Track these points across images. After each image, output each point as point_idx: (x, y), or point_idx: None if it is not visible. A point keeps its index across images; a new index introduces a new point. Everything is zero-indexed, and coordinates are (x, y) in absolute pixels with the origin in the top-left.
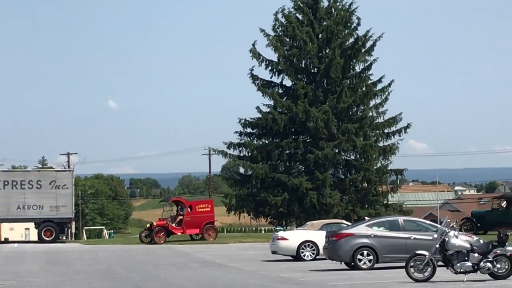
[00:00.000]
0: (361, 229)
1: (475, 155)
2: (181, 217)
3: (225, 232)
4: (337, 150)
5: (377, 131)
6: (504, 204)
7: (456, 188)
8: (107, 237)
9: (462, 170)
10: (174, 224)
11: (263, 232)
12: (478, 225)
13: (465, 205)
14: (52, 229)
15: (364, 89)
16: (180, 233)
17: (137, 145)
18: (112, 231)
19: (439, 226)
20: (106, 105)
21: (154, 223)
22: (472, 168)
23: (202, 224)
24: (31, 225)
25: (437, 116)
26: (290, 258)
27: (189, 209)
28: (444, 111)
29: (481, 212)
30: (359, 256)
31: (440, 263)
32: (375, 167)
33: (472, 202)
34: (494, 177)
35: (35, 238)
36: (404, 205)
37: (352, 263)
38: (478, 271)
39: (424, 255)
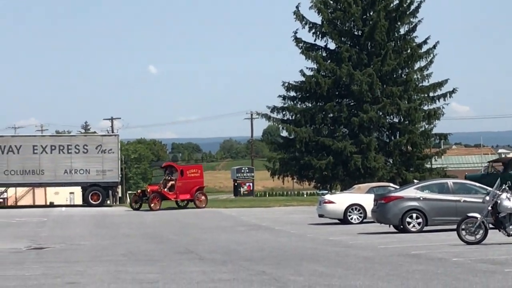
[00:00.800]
0: (409, 192)
1: None
2: (173, 182)
3: (267, 196)
4: (381, 113)
5: (422, 95)
6: (501, 168)
7: (500, 150)
8: None
9: (505, 133)
10: (166, 189)
11: (305, 195)
12: None
13: None
14: (99, 193)
15: (408, 51)
16: (173, 199)
17: (178, 110)
18: None
19: (489, 188)
20: (147, 70)
21: (148, 189)
22: None
23: (193, 190)
24: (76, 189)
25: (480, 78)
26: (337, 221)
27: (180, 174)
28: (487, 73)
29: (476, 176)
30: (408, 219)
31: (491, 225)
32: (419, 131)
33: None
34: None
35: (80, 202)
36: (448, 169)
37: (401, 226)
38: None
39: (476, 218)
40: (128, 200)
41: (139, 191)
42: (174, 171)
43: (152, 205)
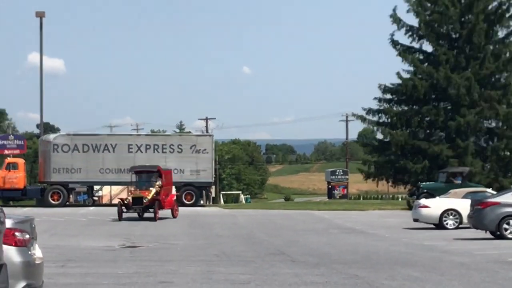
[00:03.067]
0: (507, 198)
1: None
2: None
3: (361, 199)
4: (479, 117)
5: None
6: (458, 179)
7: None
8: (243, 202)
9: None
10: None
11: (399, 199)
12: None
13: None
14: (192, 193)
15: (507, 55)
16: (167, 208)
17: (273, 110)
18: (249, 196)
19: None
20: (241, 71)
21: (146, 199)
22: None
23: (170, 198)
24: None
25: None
26: (432, 226)
27: (163, 179)
28: None
29: (432, 185)
30: (505, 226)
31: None
32: None
33: None
34: None
35: None
36: None
37: (498, 233)
38: None
39: None
40: (222, 200)
41: (125, 199)
42: (159, 176)
43: (157, 216)
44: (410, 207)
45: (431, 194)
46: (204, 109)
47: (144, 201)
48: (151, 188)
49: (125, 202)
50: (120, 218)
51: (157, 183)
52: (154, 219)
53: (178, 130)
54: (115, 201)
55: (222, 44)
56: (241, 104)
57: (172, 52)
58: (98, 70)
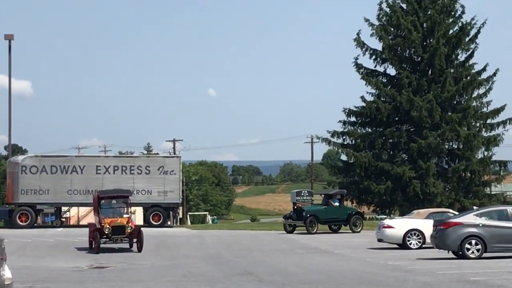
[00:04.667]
0: (469, 218)
1: None
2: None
3: None
4: (440, 140)
5: (481, 121)
6: (336, 202)
7: None
8: (210, 223)
9: None
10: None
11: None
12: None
13: None
14: (160, 214)
15: (468, 78)
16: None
17: (239, 132)
18: (216, 217)
19: None
20: (207, 93)
21: (130, 227)
22: None
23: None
24: (137, 209)
25: None
26: (396, 246)
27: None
28: None
29: (313, 208)
30: (467, 245)
31: None
32: (478, 158)
33: None
34: None
35: (140, 222)
36: (507, 196)
37: (460, 252)
38: None
39: None
40: (189, 221)
41: (108, 227)
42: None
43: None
44: (287, 231)
45: (316, 217)
46: (171, 131)
47: (128, 230)
48: (125, 216)
49: (105, 231)
50: (98, 250)
51: (130, 209)
52: (131, 249)
53: (145, 152)
54: (83, 222)
55: (187, 65)
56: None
57: (138, 74)
58: (65, 92)
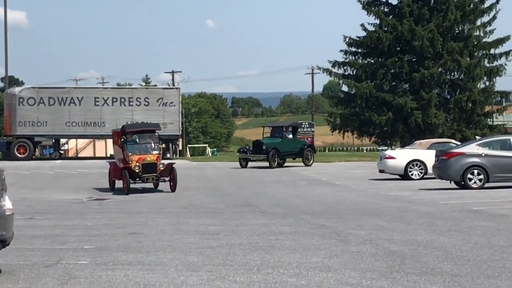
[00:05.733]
0: (471, 148)
1: None
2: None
3: (327, 151)
4: (442, 70)
5: (483, 51)
6: (290, 134)
7: None
8: (210, 155)
9: None
10: None
11: (365, 151)
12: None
13: None
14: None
15: (471, 6)
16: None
17: (239, 64)
18: (215, 149)
19: None
20: (204, 24)
21: (162, 165)
22: None
23: None
24: None
25: None
26: (397, 177)
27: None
28: None
29: (271, 141)
30: (469, 175)
31: None
32: (480, 88)
33: None
34: None
35: None
36: (508, 126)
37: (462, 182)
38: None
39: None
40: (188, 153)
41: (138, 165)
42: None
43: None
44: (242, 166)
45: (277, 150)
46: (170, 62)
47: (160, 167)
48: (154, 152)
49: (135, 169)
50: (127, 191)
51: (162, 145)
52: (159, 189)
53: (144, 84)
54: (81, 154)
55: None
56: (208, 57)
57: (136, 5)
58: (61, 23)
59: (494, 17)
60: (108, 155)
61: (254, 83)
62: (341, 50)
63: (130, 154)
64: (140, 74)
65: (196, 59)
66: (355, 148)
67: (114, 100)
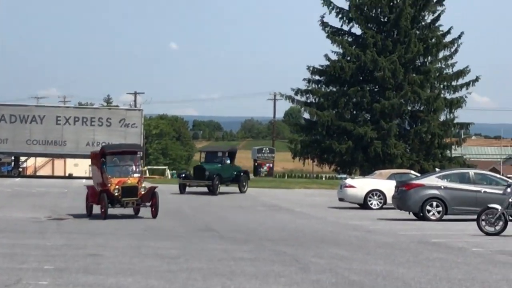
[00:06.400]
0: (431, 180)
1: None
2: None
3: (286, 177)
4: (403, 101)
5: (445, 83)
6: (227, 159)
7: None
8: (169, 177)
9: None
10: None
11: (324, 178)
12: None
13: None
14: None
15: (433, 40)
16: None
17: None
18: (175, 171)
19: (510, 180)
20: (168, 46)
21: (144, 188)
22: None
23: None
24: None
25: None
26: (356, 205)
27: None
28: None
29: (213, 167)
30: (428, 207)
31: (511, 217)
32: (440, 120)
33: None
34: None
35: None
36: (467, 159)
37: (421, 214)
38: None
39: (496, 209)
40: (148, 175)
41: (118, 188)
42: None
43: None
44: (181, 192)
45: (220, 176)
46: (132, 83)
47: (142, 191)
48: (135, 175)
49: (114, 193)
50: (105, 216)
51: (144, 167)
52: (139, 215)
53: (105, 104)
54: (40, 172)
55: (149, 18)
56: (169, 79)
57: (99, 24)
58: (22, 39)
59: (456, 51)
60: (67, 174)
61: (215, 106)
62: (304, 79)
63: (109, 176)
64: (102, 94)
65: (159, 81)
66: (315, 175)
67: (76, 119)
